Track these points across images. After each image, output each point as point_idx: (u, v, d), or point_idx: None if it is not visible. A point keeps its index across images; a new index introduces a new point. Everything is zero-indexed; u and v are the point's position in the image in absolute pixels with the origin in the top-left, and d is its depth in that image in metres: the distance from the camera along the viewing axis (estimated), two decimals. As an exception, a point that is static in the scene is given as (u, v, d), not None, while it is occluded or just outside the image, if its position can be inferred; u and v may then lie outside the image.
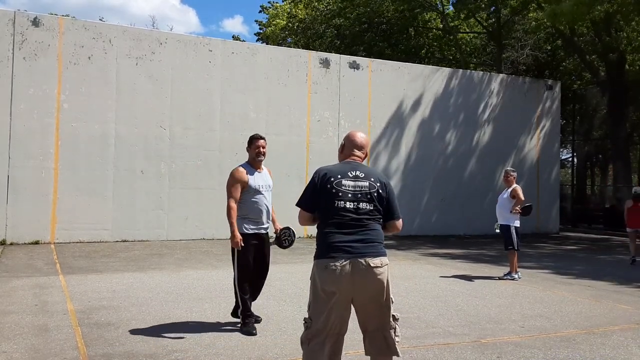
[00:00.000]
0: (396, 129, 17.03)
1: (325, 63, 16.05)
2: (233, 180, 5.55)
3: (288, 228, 5.54)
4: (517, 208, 9.02)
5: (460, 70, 19.17)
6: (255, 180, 5.61)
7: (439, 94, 17.72)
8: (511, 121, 18.83)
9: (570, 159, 29.97)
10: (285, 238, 5.52)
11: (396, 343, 3.45)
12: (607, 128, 24.67)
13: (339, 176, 3.46)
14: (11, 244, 12.38)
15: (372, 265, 3.31)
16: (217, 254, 11.52)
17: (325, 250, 3.36)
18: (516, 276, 9.04)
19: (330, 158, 15.95)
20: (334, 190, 3.41)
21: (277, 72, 15.36)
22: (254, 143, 5.72)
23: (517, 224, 9.17)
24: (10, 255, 10.79)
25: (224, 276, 8.75)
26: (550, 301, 7.40)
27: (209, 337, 5.27)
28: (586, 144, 28.10)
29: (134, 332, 5.40)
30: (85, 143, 13.21)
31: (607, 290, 8.39)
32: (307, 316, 3.46)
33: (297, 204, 3.54)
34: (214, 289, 7.72)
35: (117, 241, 13.33)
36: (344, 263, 3.28)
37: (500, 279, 9.05)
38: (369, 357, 3.58)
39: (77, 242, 12.96)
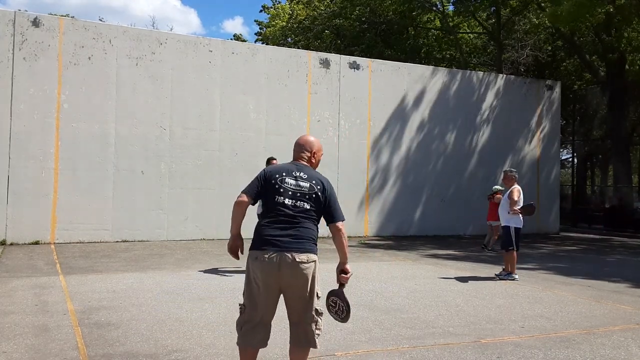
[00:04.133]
0: (396, 129, 17.03)
1: (325, 63, 16.06)
2: None
3: None
4: (515, 209, 8.98)
5: (460, 70, 19.17)
6: None
7: (439, 94, 17.72)
8: (511, 121, 18.84)
9: (570, 159, 30.00)
10: None
11: (315, 336, 3.66)
12: (607, 128, 24.69)
13: (284, 174, 3.70)
14: (11, 244, 12.39)
15: (297, 260, 3.52)
16: (217, 254, 11.52)
17: (258, 242, 3.60)
18: (516, 277, 9.04)
19: (330, 158, 15.99)
20: (276, 186, 3.65)
21: (277, 72, 15.36)
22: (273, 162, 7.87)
23: (518, 224, 9.13)
24: (10, 255, 10.79)
25: (224, 276, 8.75)
26: (550, 301, 7.40)
27: (209, 337, 5.27)
28: (586, 144, 28.11)
29: (134, 332, 5.40)
30: (85, 143, 13.22)
31: (607, 290, 8.39)
32: (241, 302, 3.72)
33: (242, 191, 3.71)
34: (214, 289, 7.72)
35: (117, 241, 13.34)
36: (272, 255, 3.52)
37: (500, 279, 9.04)
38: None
39: (77, 242, 12.96)
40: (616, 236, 19.23)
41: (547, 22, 21.15)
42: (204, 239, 14.16)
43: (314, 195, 3.66)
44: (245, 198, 3.68)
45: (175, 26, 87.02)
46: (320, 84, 15.93)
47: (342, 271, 3.80)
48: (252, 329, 3.63)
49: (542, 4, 21.85)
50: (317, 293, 3.65)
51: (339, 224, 3.73)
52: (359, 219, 16.39)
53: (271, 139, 15.11)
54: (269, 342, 3.78)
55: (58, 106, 13.01)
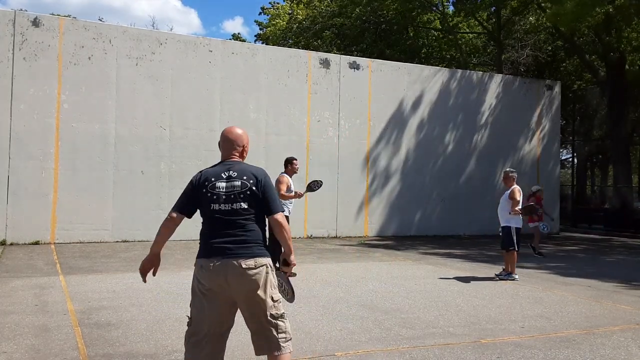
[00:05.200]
0: (396, 129, 17.03)
1: (325, 63, 16.06)
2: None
3: (316, 180, 8.92)
4: (516, 209, 8.99)
5: (460, 70, 19.17)
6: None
7: (439, 94, 17.72)
8: (511, 121, 18.83)
9: (570, 159, 30.01)
10: (314, 184, 8.71)
11: (281, 340, 3.43)
12: (607, 128, 24.68)
13: (213, 179, 3.48)
14: (11, 244, 12.39)
15: (244, 266, 3.33)
16: (217, 254, 11.50)
17: (202, 250, 3.43)
18: (516, 277, 9.04)
19: (330, 158, 16.01)
20: (208, 194, 3.44)
21: (277, 72, 15.36)
22: (294, 163, 8.83)
23: (519, 225, 9.14)
24: (10, 255, 10.79)
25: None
26: (550, 301, 7.40)
27: (209, 337, 5.26)
28: (586, 144, 28.12)
29: (134, 332, 5.40)
30: (85, 143, 13.22)
31: (607, 290, 8.39)
32: (189, 314, 3.51)
33: (172, 208, 3.54)
34: (214, 289, 7.72)
35: (117, 241, 13.34)
36: (217, 263, 3.33)
37: (500, 279, 9.04)
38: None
39: (77, 242, 12.96)
40: (616, 236, 19.23)
41: (547, 22, 21.15)
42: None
43: (248, 192, 3.43)
44: (175, 215, 3.50)
45: (176, 26, 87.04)
46: (320, 84, 15.93)
47: (284, 261, 3.61)
48: (198, 342, 3.38)
49: (542, 4, 21.85)
50: (272, 297, 3.42)
51: (278, 216, 3.47)
52: (359, 219, 16.40)
53: (271, 139, 15.11)
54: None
55: (58, 106, 13.01)
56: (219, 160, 3.69)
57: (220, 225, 3.40)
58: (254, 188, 3.45)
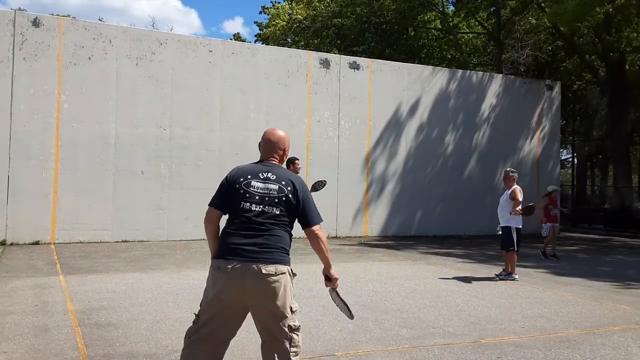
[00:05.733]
0: (396, 129, 17.03)
1: (325, 63, 16.05)
2: None
3: (320, 180, 8.40)
4: (517, 209, 9.00)
5: (460, 70, 19.16)
6: None
7: (438, 95, 17.72)
8: (511, 121, 18.84)
9: (570, 159, 30.02)
10: (318, 184, 8.19)
11: (292, 354, 3.22)
12: (607, 128, 24.69)
13: (249, 176, 3.34)
14: (11, 244, 12.39)
15: (264, 272, 3.14)
16: (217, 254, 11.49)
17: (221, 251, 3.28)
18: (516, 277, 9.05)
19: (330, 158, 16.01)
20: (241, 191, 3.29)
21: (277, 72, 15.36)
22: (296, 163, 8.18)
23: (519, 225, 9.16)
24: (10, 255, 10.79)
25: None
26: (550, 301, 7.40)
27: (209, 337, 5.26)
28: (586, 144, 28.13)
29: (134, 332, 5.40)
30: (85, 143, 13.21)
31: (607, 290, 8.39)
32: (196, 312, 3.36)
33: (210, 204, 3.40)
34: (214, 289, 7.71)
35: (117, 241, 13.33)
36: (236, 266, 3.16)
37: (500, 279, 9.04)
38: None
39: (77, 243, 12.96)
40: (616, 236, 19.23)
41: (547, 22, 21.15)
42: (204, 239, 14.12)
43: (284, 198, 3.28)
44: (214, 212, 3.36)
45: (176, 27, 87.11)
46: (320, 84, 15.93)
47: (326, 277, 3.49)
48: (199, 340, 3.24)
49: (542, 4, 21.85)
50: (291, 307, 3.24)
51: (315, 229, 3.33)
52: (359, 219, 16.39)
53: (271, 139, 15.08)
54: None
55: (58, 106, 13.01)
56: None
57: (246, 226, 3.24)
58: (290, 195, 3.31)
